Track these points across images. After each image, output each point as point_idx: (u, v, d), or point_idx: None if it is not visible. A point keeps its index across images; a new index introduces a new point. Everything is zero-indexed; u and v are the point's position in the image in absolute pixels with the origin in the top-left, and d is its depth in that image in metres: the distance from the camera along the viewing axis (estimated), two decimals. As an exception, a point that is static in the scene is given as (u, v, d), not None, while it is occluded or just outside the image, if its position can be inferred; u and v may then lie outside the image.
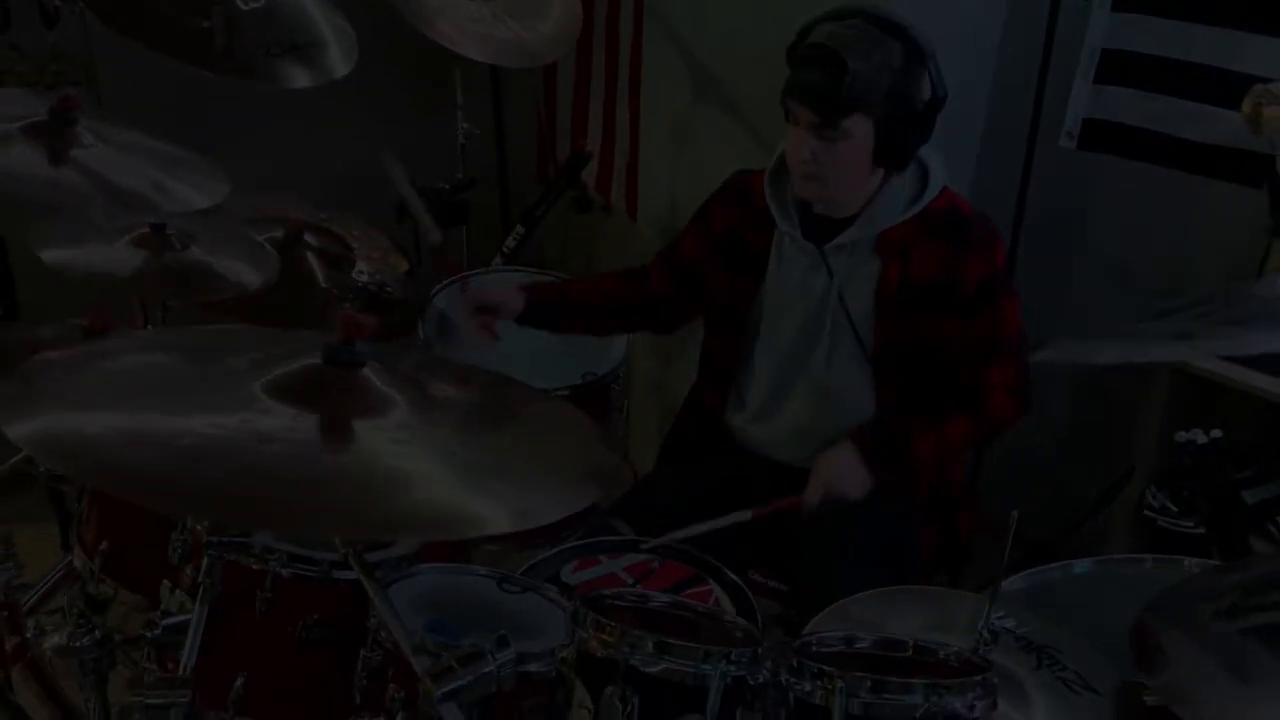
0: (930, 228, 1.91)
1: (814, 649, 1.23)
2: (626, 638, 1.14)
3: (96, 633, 1.36)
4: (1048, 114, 2.47)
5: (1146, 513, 2.20)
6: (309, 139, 2.77)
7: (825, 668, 1.14)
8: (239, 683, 1.47)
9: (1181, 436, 1.84)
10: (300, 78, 2.21)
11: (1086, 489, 2.44)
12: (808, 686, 1.15)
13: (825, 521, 1.97)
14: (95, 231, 1.93)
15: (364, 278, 2.34)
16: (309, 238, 2.36)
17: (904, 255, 1.91)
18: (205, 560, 1.40)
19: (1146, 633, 1.44)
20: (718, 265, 2.07)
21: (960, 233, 1.92)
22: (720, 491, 2.11)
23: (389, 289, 2.35)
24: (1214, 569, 1.75)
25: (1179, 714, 1.33)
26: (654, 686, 1.15)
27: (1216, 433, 1.81)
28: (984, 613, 1.38)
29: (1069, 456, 2.67)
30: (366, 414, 1.14)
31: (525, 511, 1.17)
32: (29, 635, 1.74)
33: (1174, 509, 2.14)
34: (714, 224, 2.09)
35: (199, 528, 1.48)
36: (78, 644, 1.35)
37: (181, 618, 1.44)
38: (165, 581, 1.50)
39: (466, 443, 1.22)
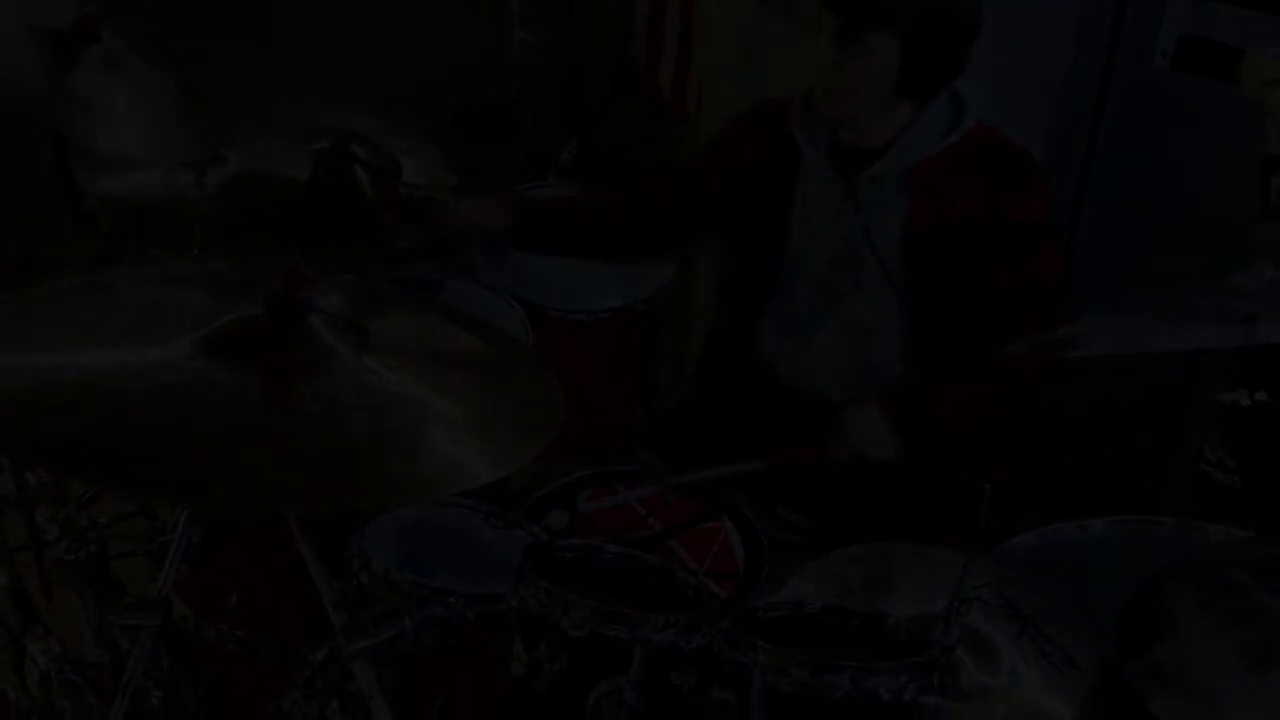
0: (964, 163, 1.82)
1: (759, 615, 1.22)
2: (559, 599, 1.15)
3: (92, 546, 1.43)
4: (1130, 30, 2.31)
5: (1203, 466, 2.11)
6: (356, 49, 2.76)
7: (755, 640, 1.13)
8: (234, 599, 1.53)
9: (1226, 397, 1.74)
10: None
11: (1147, 439, 2.34)
12: (738, 657, 1.14)
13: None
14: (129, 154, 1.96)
15: (409, 191, 2.34)
16: (356, 149, 2.36)
17: (935, 191, 1.83)
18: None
19: (1150, 602, 1.39)
20: (742, 192, 2.01)
21: (997, 169, 1.82)
22: (751, 422, 2.09)
23: (434, 202, 2.34)
24: (1245, 539, 1.67)
25: (1160, 695, 1.28)
26: (586, 646, 1.15)
27: (1261, 395, 1.70)
28: (958, 583, 1.34)
29: (1131, 404, 2.56)
30: (308, 370, 1.14)
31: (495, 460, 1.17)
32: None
33: (1230, 464, 2.05)
34: (737, 149, 2.03)
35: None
36: (72, 557, 1.42)
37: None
38: (165, 498, 1.55)
39: (419, 394, 1.22)
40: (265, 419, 1.09)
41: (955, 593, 1.33)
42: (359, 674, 1.14)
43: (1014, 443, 2.21)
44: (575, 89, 3.14)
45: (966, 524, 1.99)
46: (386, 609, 1.20)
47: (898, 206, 1.86)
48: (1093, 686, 1.37)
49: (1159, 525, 1.66)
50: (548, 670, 1.13)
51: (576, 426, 1.31)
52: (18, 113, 1.72)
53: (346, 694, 1.22)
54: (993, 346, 1.68)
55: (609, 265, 2.43)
